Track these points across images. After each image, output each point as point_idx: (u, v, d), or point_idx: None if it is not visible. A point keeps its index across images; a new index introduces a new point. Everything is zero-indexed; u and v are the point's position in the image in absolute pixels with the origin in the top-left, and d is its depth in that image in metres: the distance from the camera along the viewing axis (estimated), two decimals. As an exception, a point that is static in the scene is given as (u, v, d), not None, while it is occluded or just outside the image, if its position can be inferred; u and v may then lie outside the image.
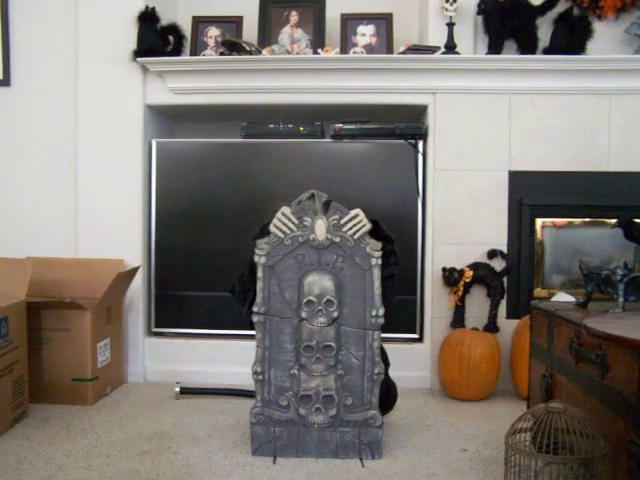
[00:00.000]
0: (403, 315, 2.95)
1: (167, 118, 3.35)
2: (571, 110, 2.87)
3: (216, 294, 3.00)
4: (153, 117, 3.13)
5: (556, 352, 2.00)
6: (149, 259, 3.07)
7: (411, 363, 2.91)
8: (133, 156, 2.99)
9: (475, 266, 2.87)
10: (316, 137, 3.02)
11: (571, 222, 2.96)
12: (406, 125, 2.94)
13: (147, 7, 2.90)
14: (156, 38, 2.91)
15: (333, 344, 2.04)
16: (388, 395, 2.20)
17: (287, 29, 3.12)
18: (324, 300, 2.03)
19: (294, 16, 3.12)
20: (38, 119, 3.16)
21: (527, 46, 2.85)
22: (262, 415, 2.07)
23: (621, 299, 1.89)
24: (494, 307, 2.88)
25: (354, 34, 3.08)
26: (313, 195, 2.11)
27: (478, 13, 2.88)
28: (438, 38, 2.91)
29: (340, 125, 2.94)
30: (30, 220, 3.17)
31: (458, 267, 2.86)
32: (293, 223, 2.05)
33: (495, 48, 2.86)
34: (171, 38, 2.98)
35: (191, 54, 3.10)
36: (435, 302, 2.93)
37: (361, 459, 2.06)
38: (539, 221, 2.93)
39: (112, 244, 2.98)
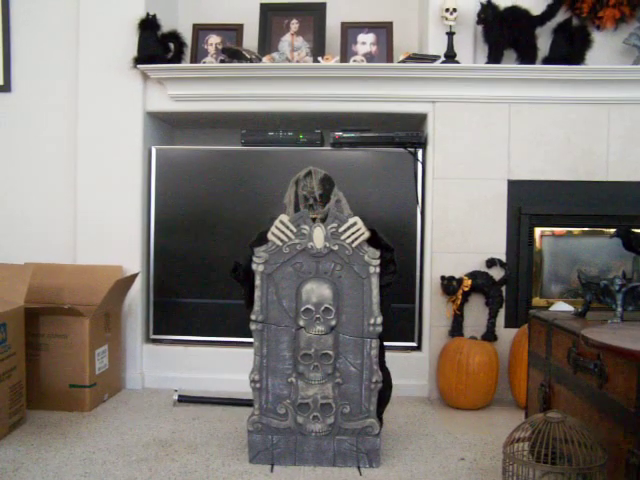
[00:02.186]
0: (401, 323, 2.95)
1: (167, 125, 3.36)
2: (570, 120, 2.88)
3: (215, 301, 3.01)
4: (153, 124, 3.14)
5: (554, 361, 2.00)
6: (148, 266, 3.07)
7: (409, 371, 2.91)
8: (133, 163, 3.00)
9: (474, 275, 2.87)
10: (316, 145, 3.02)
11: (570, 231, 2.96)
12: (406, 133, 2.95)
13: (148, 14, 2.91)
14: (157, 45, 2.93)
15: (331, 352, 2.03)
16: (384, 385, 2.11)
17: (287, 37, 3.13)
18: (322, 308, 2.03)
19: (294, 24, 3.13)
20: (38, 125, 3.17)
21: (526, 56, 2.87)
22: (260, 423, 2.07)
23: (619, 309, 1.89)
24: (492, 316, 2.88)
25: (354, 42, 3.09)
26: (310, 172, 2.12)
27: (478, 22, 2.90)
28: (438, 47, 2.92)
29: (340, 133, 2.95)
30: (29, 226, 3.17)
31: (457, 276, 2.86)
32: (291, 231, 2.05)
33: (495, 57, 2.87)
34: (172, 45, 2.99)
35: (191, 61, 3.11)
36: (434, 311, 2.93)
37: (359, 467, 2.06)
38: (538, 230, 2.94)
39: (111, 250, 2.98)
